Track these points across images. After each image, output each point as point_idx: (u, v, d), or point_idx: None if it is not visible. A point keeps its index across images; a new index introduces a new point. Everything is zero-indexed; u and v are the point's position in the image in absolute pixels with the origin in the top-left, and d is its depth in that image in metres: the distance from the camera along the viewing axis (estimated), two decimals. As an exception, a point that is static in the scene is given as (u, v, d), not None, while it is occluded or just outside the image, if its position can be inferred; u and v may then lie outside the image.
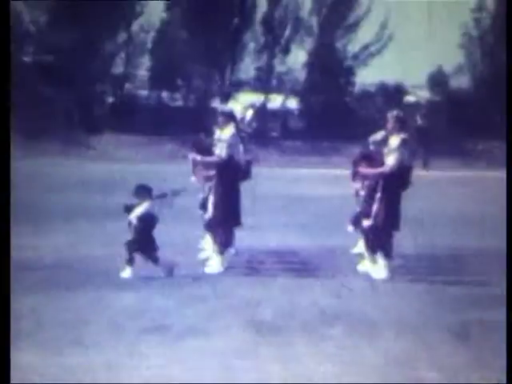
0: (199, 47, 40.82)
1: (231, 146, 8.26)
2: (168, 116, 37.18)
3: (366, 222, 7.99)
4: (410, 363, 4.93)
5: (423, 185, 23.36)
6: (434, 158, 40.71)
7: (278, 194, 19.39)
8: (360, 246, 9.54)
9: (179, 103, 40.71)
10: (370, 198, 8.00)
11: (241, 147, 8.60)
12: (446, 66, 47.63)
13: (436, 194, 21.08)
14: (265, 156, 36.88)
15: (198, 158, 8.55)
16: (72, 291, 7.04)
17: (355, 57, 45.93)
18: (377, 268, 7.86)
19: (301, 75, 45.49)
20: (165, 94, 41.89)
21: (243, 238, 10.34)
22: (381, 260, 7.85)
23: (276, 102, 44.08)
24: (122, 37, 42.47)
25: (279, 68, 45.23)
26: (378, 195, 7.90)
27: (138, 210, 7.92)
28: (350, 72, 45.94)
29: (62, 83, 37.46)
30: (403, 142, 8.01)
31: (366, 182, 8.31)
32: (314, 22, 45.53)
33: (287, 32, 45.13)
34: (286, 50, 45.33)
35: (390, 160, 7.94)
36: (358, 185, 8.39)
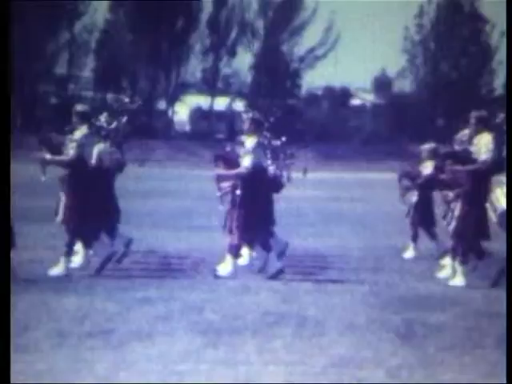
0: (144, 48, 40.47)
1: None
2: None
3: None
4: (355, 363, 4.95)
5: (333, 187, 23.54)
6: (374, 159, 41.29)
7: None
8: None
9: (124, 105, 40.25)
10: (233, 199, 8.14)
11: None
12: (390, 69, 48.55)
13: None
14: (210, 158, 36.78)
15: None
16: (13, 296, 6.84)
17: (301, 59, 46.33)
18: None
19: (247, 77, 45.67)
20: (110, 96, 41.40)
21: (191, 240, 10.31)
22: None
23: (222, 103, 44.11)
24: (64, 37, 41.79)
25: (225, 70, 45.36)
26: (239, 197, 8.01)
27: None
28: (296, 75, 46.30)
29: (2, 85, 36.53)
30: (258, 144, 8.08)
31: (225, 183, 8.43)
32: (260, 24, 45.78)
33: (233, 34, 45.26)
34: (233, 52, 45.44)
35: (246, 161, 8.04)
36: (225, 184, 8.46)
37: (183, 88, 43.72)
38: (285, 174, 9.19)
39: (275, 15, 45.00)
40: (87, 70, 42.73)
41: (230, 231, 8.23)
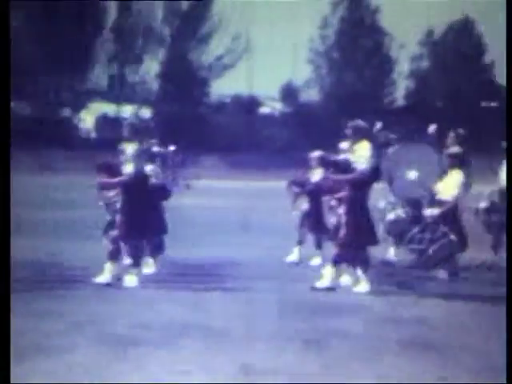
0: (48, 55, 39.42)
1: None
2: (16, 126, 35.52)
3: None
4: (262, 370, 4.95)
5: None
6: (283, 167, 41.88)
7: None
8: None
9: (27, 112, 39.10)
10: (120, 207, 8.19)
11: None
12: (297, 79, 49.36)
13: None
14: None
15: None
16: None
17: (209, 68, 46.37)
18: None
19: (154, 85, 45.25)
20: (12, 103, 40.09)
21: (94, 250, 10.03)
22: None
23: (128, 111, 43.50)
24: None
25: (132, 78, 44.74)
26: (121, 204, 8.10)
27: None
28: (204, 83, 46.27)
29: None
30: (139, 151, 8.21)
31: (110, 192, 8.46)
32: (166, 32, 45.48)
33: (139, 41, 44.74)
34: (139, 60, 44.91)
35: (128, 168, 8.15)
36: (111, 193, 8.48)
37: (88, 95, 42.84)
38: (177, 181, 9.27)
39: (181, 23, 44.84)
40: (-13, 77, 41.21)
41: (112, 239, 8.14)
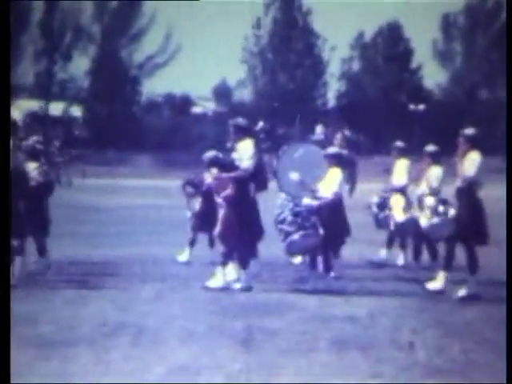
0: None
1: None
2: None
3: None
4: (194, 370, 4.87)
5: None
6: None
7: (65, 204, 18.65)
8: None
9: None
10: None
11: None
12: (230, 79, 49.38)
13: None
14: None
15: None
16: None
17: (140, 66, 45.83)
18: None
19: (84, 83, 44.41)
20: None
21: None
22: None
23: (58, 109, 42.55)
24: None
25: (61, 75, 43.80)
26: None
27: None
28: (135, 82, 45.71)
29: None
30: (13, 147, 8.13)
31: None
32: (96, 29, 44.71)
33: (67, 38, 43.82)
34: (68, 57, 43.99)
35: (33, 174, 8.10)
36: None
37: (16, 92, 41.67)
38: (59, 178, 9.15)
39: (111, 20, 44.16)
40: None
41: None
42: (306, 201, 8.02)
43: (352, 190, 9.13)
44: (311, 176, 8.09)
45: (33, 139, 8.95)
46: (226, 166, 7.99)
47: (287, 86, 48.55)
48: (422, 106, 44.72)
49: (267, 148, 8.44)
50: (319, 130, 9.23)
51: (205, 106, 48.88)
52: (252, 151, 7.75)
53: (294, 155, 8.12)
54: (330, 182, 8.40)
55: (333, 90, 50.01)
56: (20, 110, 41.63)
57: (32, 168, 8.55)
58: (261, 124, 8.47)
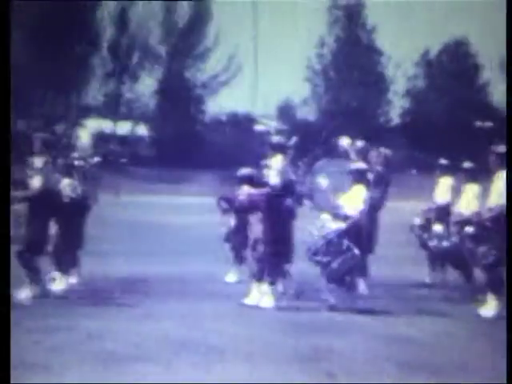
0: (44, 72, 39.50)
1: None
2: (14, 142, 35.51)
3: None
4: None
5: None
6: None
7: (127, 221, 19.01)
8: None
9: (23, 128, 39.06)
10: None
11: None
12: (293, 97, 49.53)
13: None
14: (113, 183, 36.16)
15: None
16: None
17: (204, 86, 46.52)
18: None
19: (150, 102, 45.36)
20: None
21: (90, 265, 10.01)
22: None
23: (125, 128, 43.57)
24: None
25: (128, 95, 44.85)
26: (26, 217, 8.01)
27: None
28: (199, 100, 46.39)
29: None
30: (46, 163, 8.19)
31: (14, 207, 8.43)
32: (162, 50, 45.68)
33: (135, 59, 44.93)
34: (135, 77, 45.06)
35: (36, 182, 8.09)
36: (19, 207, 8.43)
37: (85, 112, 42.88)
38: (96, 195, 9.33)
39: (178, 41, 45.05)
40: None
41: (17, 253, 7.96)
42: (334, 225, 7.98)
43: (378, 208, 8.95)
44: (335, 192, 8.09)
45: (71, 156, 9.15)
46: (259, 183, 8.05)
47: (350, 104, 48.34)
48: (488, 124, 43.80)
49: (303, 164, 8.45)
50: (345, 142, 9.13)
51: (268, 124, 49.12)
52: (280, 167, 7.85)
53: (324, 170, 8.15)
54: (355, 199, 8.30)
55: (396, 107, 49.51)
56: (88, 129, 42.82)
57: (66, 185, 8.74)
58: (294, 139, 8.51)
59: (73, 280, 8.86)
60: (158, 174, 38.70)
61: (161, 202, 27.48)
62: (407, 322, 7.04)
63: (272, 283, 7.82)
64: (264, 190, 7.84)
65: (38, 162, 7.99)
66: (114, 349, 5.89)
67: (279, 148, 8.00)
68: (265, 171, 7.94)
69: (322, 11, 48.26)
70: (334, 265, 7.68)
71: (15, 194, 7.92)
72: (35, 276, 7.93)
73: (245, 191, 8.38)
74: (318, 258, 7.78)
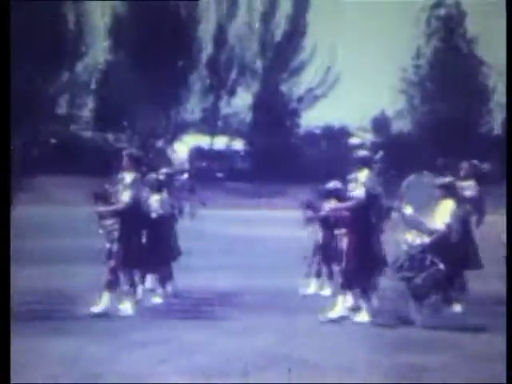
0: (144, 88, 40.83)
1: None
2: (113, 157, 36.86)
3: None
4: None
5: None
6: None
7: (224, 235, 19.30)
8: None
9: (124, 144, 40.51)
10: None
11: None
12: (388, 109, 48.92)
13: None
14: (210, 197, 36.82)
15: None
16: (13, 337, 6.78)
17: (300, 99, 46.70)
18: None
19: (246, 117, 45.98)
20: (109, 135, 41.65)
21: (189, 279, 10.28)
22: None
23: (221, 143, 44.34)
24: (65, 77, 42.25)
25: (225, 109, 45.65)
26: (118, 232, 8.10)
27: None
28: (295, 114, 46.60)
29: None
30: (135, 179, 8.25)
31: (109, 221, 8.39)
32: (259, 65, 46.24)
33: (232, 74, 45.67)
34: (232, 92, 45.81)
35: (124, 196, 8.15)
36: (109, 221, 8.46)
37: (183, 127, 43.95)
38: (183, 210, 9.43)
39: (274, 56, 45.49)
40: (87, 110, 43.05)
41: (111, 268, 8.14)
42: (418, 240, 7.85)
43: (479, 222, 8.78)
44: (421, 208, 7.97)
45: (161, 172, 9.35)
46: (346, 196, 8.12)
47: (448, 115, 47.17)
48: None
49: (390, 177, 8.40)
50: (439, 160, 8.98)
51: (363, 136, 48.70)
52: (364, 180, 7.85)
53: (411, 186, 8.07)
54: (441, 213, 8.13)
55: (498, 118, 47.91)
56: (187, 144, 43.86)
57: (154, 200, 8.93)
58: (380, 153, 8.47)
59: (168, 293, 9.07)
60: (253, 187, 39.12)
61: (256, 215, 27.75)
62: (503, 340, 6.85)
63: (364, 297, 7.80)
64: (350, 204, 7.88)
65: (127, 177, 8.17)
66: (205, 363, 6.04)
67: (365, 162, 8.07)
68: (351, 185, 8.00)
69: (420, 23, 47.48)
70: (418, 280, 7.59)
71: (106, 209, 8.18)
72: (132, 289, 8.14)
73: (331, 204, 8.42)
74: (403, 273, 7.72)
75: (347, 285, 7.87)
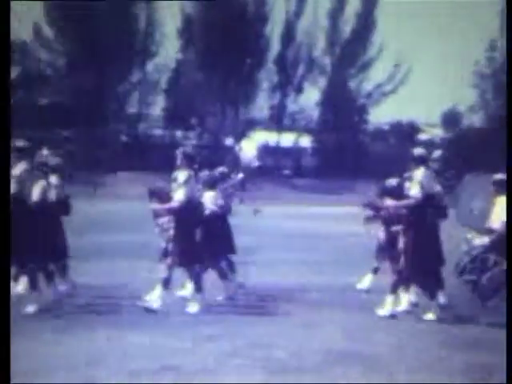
0: (213, 86, 41.32)
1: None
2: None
3: None
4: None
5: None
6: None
7: (290, 232, 19.38)
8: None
9: (193, 142, 41.09)
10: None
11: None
12: (459, 104, 47.90)
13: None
14: (277, 194, 36.97)
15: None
16: (86, 331, 7.08)
17: (368, 95, 46.25)
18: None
19: (314, 114, 45.88)
20: (179, 133, 42.35)
21: (255, 275, 10.43)
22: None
23: (289, 140, 44.41)
24: (136, 77, 43.19)
25: (292, 106, 45.70)
26: (173, 230, 8.09)
27: None
28: (363, 110, 46.19)
29: (77, 124, 37.97)
30: (189, 177, 8.22)
31: (163, 219, 8.40)
32: (327, 61, 46.05)
33: (300, 71, 45.65)
34: (299, 89, 45.79)
35: (178, 195, 8.14)
36: (163, 219, 8.45)
37: (251, 125, 44.25)
38: (236, 204, 9.45)
39: (342, 52, 45.21)
40: (157, 108, 43.88)
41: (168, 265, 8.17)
42: (478, 240, 7.74)
43: None
44: (479, 206, 7.86)
45: (218, 170, 9.42)
46: (403, 194, 8.09)
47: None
48: None
49: (449, 176, 8.31)
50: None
51: (432, 132, 47.86)
52: (421, 179, 7.79)
53: (471, 184, 7.98)
54: (499, 212, 7.97)
55: None
56: (255, 142, 44.14)
57: (208, 197, 9.00)
58: (438, 153, 8.41)
59: (229, 288, 9.14)
60: (320, 184, 39.06)
61: (323, 212, 27.72)
62: None
63: (428, 295, 7.80)
64: (407, 202, 7.87)
65: (181, 175, 8.24)
66: (277, 357, 6.16)
67: (421, 160, 8.05)
68: (407, 183, 8.00)
69: (495, 15, 46.28)
70: (483, 281, 7.51)
71: (161, 207, 8.27)
72: (197, 285, 8.20)
73: (390, 202, 8.45)
74: (466, 276, 7.65)
75: (405, 282, 7.88)
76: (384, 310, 7.87)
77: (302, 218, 24.50)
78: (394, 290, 7.92)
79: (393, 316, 7.76)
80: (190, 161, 8.38)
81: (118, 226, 17.82)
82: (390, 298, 7.92)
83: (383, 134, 47.13)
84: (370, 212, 9.64)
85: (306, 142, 44.66)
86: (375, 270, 9.69)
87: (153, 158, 37.80)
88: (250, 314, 8.13)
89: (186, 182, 8.19)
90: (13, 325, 5.83)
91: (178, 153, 8.48)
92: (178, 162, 8.40)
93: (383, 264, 9.58)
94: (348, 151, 42.12)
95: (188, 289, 8.70)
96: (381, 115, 46.04)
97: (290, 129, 44.58)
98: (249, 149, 43.55)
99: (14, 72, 40.88)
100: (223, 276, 9.13)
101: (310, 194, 36.40)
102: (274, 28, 43.98)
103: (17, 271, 8.34)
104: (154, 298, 8.06)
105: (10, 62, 7.20)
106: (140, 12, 42.35)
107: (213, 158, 39.49)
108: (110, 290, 9.43)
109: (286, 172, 42.27)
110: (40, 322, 7.43)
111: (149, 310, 7.93)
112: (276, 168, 42.08)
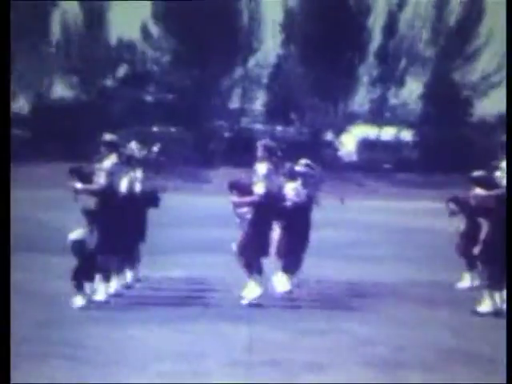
0: (313, 81, 41.30)
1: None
2: (282, 150, 37.69)
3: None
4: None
5: None
6: None
7: (391, 226, 19.21)
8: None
9: (293, 136, 41.25)
10: None
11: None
12: None
13: None
14: (377, 188, 36.56)
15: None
16: (188, 323, 7.33)
17: (474, 87, 44.76)
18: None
19: (416, 107, 44.90)
20: (279, 128, 42.62)
21: (356, 270, 10.45)
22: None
23: (389, 134, 43.75)
24: (238, 73, 43.81)
25: (393, 100, 44.91)
26: (249, 222, 8.00)
27: None
28: (467, 103, 44.79)
29: (181, 120, 38.99)
30: (270, 170, 8.07)
31: (243, 209, 8.28)
32: (430, 53, 44.91)
33: (402, 64, 44.79)
34: (401, 82, 44.93)
35: (259, 188, 8.01)
36: (243, 210, 8.31)
37: (351, 119, 43.94)
38: (317, 199, 9.29)
39: (447, 43, 44.00)
40: (258, 103, 44.35)
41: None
42: None
43: None
44: None
45: (302, 163, 9.38)
46: (491, 185, 7.86)
47: None
48: None
49: None
50: None
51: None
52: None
53: None
54: None
55: None
56: (354, 136, 43.78)
57: (289, 189, 8.95)
58: None
59: (294, 282, 9.07)
60: (422, 178, 38.31)
61: (425, 206, 27.23)
62: None
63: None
64: (492, 193, 7.68)
65: (261, 168, 8.26)
66: (379, 354, 6.19)
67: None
68: (496, 173, 7.79)
69: None
70: None
71: (240, 200, 8.33)
72: (259, 277, 8.18)
73: (476, 193, 8.24)
74: None
75: (492, 278, 7.69)
76: (483, 307, 7.73)
77: (402, 212, 24.16)
78: (489, 286, 7.76)
79: (496, 314, 7.60)
80: (269, 153, 8.38)
81: (217, 220, 18.18)
82: (488, 295, 7.77)
83: (489, 127, 45.58)
84: (453, 206, 9.49)
85: (407, 135, 43.88)
86: (471, 267, 9.49)
87: (254, 154, 38.26)
88: (350, 310, 8.17)
89: (266, 174, 8.20)
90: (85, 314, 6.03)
91: (259, 145, 8.50)
92: (259, 154, 8.40)
93: (470, 259, 9.43)
94: (451, 145, 41.03)
95: (283, 283, 8.75)
96: (487, 108, 44.52)
97: (391, 123, 43.90)
98: (348, 143, 43.26)
99: (122, 70, 42.49)
100: (291, 270, 9.01)
101: (411, 188, 35.77)
102: (376, 20, 43.42)
103: (102, 262, 8.44)
104: (254, 293, 8.14)
105: (10, 61, 7.48)
106: (243, 8, 42.91)
107: (311, 153, 39.61)
108: (211, 282, 9.67)
109: (387, 166, 41.69)
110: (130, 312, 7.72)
111: (252, 305, 8.02)
112: (376, 162, 41.59)
